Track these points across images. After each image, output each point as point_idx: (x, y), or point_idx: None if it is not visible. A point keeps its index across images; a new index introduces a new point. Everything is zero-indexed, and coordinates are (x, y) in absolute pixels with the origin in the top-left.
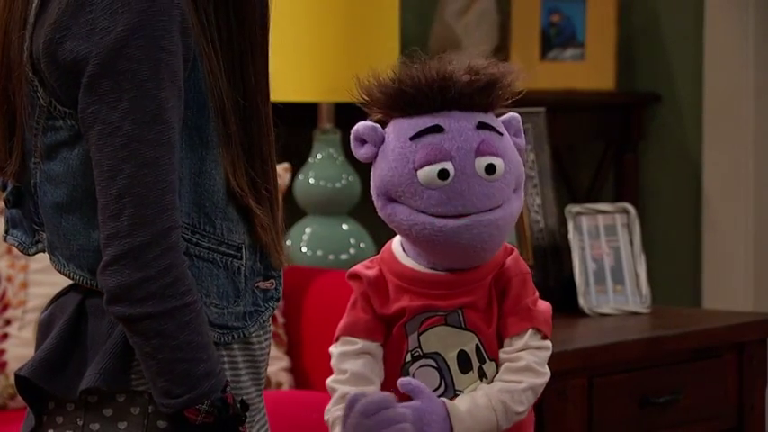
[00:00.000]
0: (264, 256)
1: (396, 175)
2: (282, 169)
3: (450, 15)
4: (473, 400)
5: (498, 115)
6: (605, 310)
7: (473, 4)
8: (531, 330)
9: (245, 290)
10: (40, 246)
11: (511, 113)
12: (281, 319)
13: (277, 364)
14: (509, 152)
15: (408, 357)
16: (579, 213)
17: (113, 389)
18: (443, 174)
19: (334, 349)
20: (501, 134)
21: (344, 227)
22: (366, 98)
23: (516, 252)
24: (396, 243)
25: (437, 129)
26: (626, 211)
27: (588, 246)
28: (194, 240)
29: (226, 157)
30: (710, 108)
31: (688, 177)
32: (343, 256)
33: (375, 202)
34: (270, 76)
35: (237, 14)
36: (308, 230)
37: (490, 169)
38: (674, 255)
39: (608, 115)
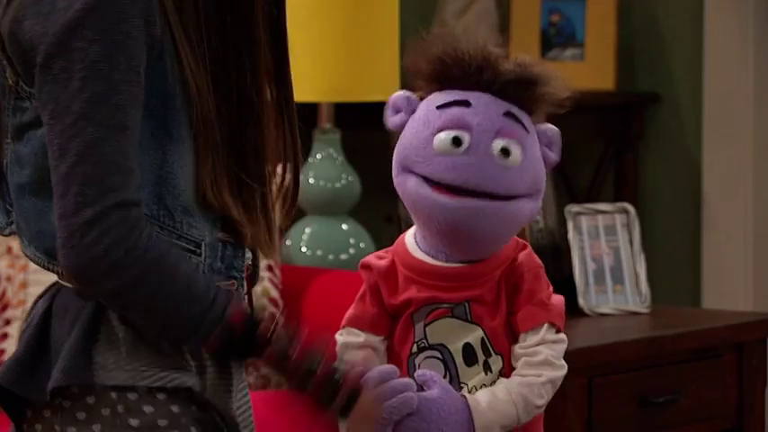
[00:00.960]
0: (227, 257)
1: (414, 139)
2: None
3: (449, 15)
4: (493, 394)
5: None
6: (605, 309)
7: (473, 5)
8: (546, 325)
9: None
10: (12, 227)
11: (549, 125)
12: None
13: None
14: (530, 150)
15: (414, 348)
16: (579, 213)
17: (79, 385)
18: (457, 140)
19: (338, 337)
20: (527, 131)
21: (344, 227)
22: (412, 67)
23: (529, 248)
24: (409, 235)
25: (465, 103)
26: (625, 211)
27: (588, 246)
28: None
29: (204, 163)
30: (710, 108)
31: (688, 177)
32: (343, 256)
33: (393, 171)
34: (290, 75)
35: (228, 9)
36: (307, 230)
37: (506, 152)
38: (673, 255)
39: (608, 115)
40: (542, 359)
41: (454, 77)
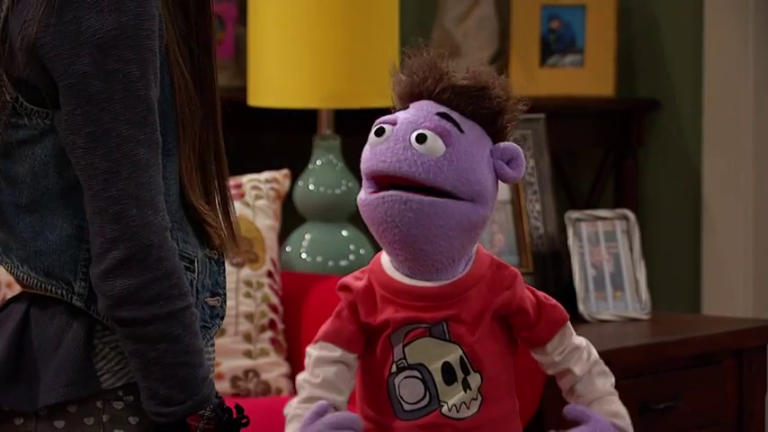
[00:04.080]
0: (213, 273)
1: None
2: (282, 175)
3: (449, 22)
4: (609, 403)
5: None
6: (605, 316)
7: (473, 11)
8: (566, 324)
9: (197, 305)
10: None
11: (510, 144)
12: (280, 326)
13: (276, 371)
14: (461, 148)
15: (394, 368)
16: (579, 219)
17: (84, 398)
18: (380, 130)
19: (311, 351)
20: (462, 131)
21: (344, 233)
22: (392, 89)
23: (506, 266)
24: (384, 254)
25: (406, 109)
26: (625, 218)
27: (588, 252)
28: None
29: (183, 167)
30: (710, 114)
31: (688, 183)
32: (343, 263)
33: None
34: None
35: (197, 17)
36: (307, 237)
37: (420, 138)
38: (673, 261)
39: (607, 121)
40: (583, 349)
41: (407, 93)
